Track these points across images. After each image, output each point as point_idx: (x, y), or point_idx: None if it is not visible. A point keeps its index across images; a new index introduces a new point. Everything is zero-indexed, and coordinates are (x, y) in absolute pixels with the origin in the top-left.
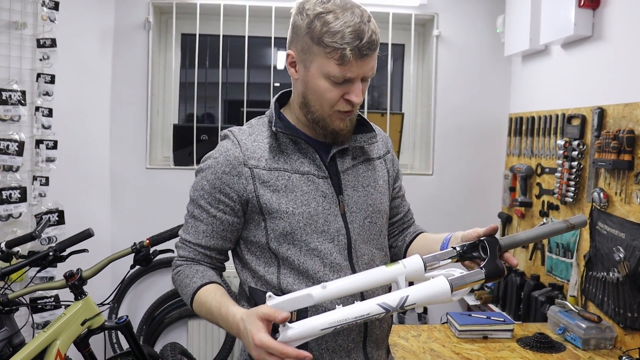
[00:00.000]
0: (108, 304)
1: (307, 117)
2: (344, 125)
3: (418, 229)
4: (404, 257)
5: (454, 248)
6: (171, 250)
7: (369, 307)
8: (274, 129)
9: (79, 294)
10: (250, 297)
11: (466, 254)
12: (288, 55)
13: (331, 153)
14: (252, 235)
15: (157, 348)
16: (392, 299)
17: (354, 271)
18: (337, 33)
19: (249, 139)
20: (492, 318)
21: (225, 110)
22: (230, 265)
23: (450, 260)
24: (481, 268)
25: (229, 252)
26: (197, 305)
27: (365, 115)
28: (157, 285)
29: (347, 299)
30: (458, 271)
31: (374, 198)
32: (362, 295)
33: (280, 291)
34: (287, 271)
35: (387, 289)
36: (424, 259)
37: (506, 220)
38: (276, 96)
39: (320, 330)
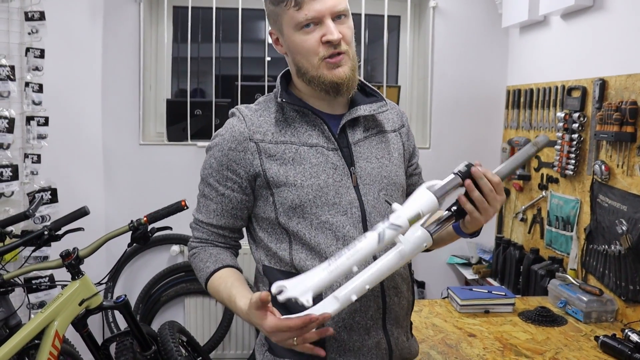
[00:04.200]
0: (105, 283)
1: (306, 82)
2: (339, 74)
3: None
4: None
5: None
6: (169, 228)
7: (369, 243)
8: (279, 99)
9: (76, 273)
10: (264, 278)
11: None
12: (270, 34)
13: (341, 124)
14: (262, 211)
15: (154, 326)
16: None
17: None
18: None
19: (255, 115)
20: (493, 292)
21: (218, 84)
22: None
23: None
24: (455, 173)
25: (244, 231)
26: (211, 291)
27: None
28: (153, 263)
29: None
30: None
31: (389, 170)
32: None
33: (294, 268)
34: (298, 247)
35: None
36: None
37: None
38: (281, 73)
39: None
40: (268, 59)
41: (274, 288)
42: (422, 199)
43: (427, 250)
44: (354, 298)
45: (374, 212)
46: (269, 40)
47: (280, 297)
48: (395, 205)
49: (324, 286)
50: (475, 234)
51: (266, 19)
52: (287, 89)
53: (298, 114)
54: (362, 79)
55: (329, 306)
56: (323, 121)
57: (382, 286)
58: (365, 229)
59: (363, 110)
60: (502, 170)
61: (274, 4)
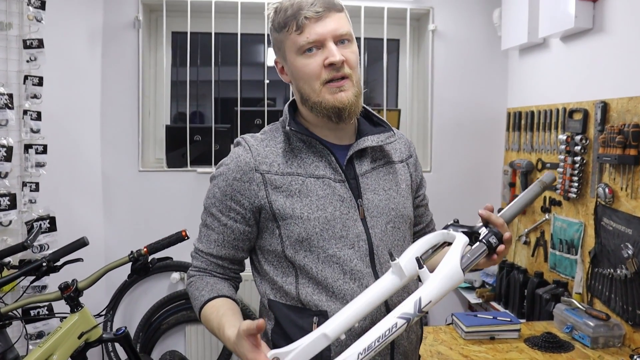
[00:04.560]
0: (105, 315)
1: (309, 109)
2: (341, 98)
3: None
4: None
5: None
6: (170, 258)
7: (388, 323)
8: (287, 128)
9: (75, 306)
10: (269, 312)
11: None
12: (276, 64)
13: (348, 155)
14: (268, 243)
15: (156, 354)
16: (407, 306)
17: (377, 279)
18: (287, 9)
19: (261, 145)
20: (498, 318)
21: (217, 108)
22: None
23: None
24: (481, 241)
25: (247, 263)
26: (204, 321)
27: (362, 96)
28: (153, 291)
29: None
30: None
31: (396, 202)
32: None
33: (300, 302)
34: (305, 281)
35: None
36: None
37: None
38: (288, 102)
39: None
40: (267, 81)
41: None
42: (451, 277)
43: None
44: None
45: (382, 245)
46: (269, 62)
47: None
48: (423, 272)
49: None
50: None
51: (265, 42)
52: (295, 116)
53: (305, 144)
54: (368, 108)
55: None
56: (330, 152)
57: (387, 308)
58: (372, 262)
59: (370, 141)
60: (509, 212)
61: (277, 31)
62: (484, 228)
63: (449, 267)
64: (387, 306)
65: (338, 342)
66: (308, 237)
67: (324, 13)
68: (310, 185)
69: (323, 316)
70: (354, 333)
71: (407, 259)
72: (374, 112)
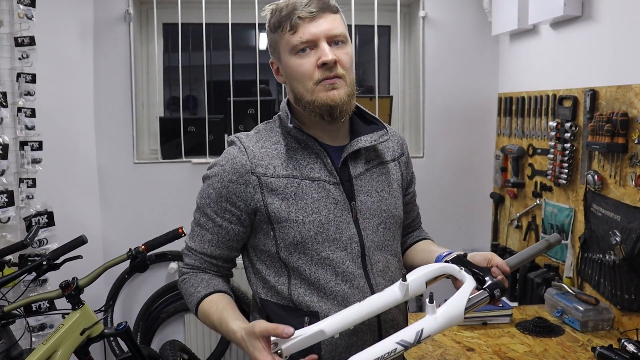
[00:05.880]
0: (105, 310)
1: (303, 109)
2: (334, 96)
3: (422, 233)
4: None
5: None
6: (167, 253)
7: (387, 346)
8: (290, 125)
9: (76, 303)
10: (261, 309)
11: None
12: (271, 64)
13: (342, 157)
14: (262, 244)
15: (155, 343)
16: (408, 334)
17: (367, 279)
18: (282, 10)
19: (257, 146)
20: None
21: (210, 94)
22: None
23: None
24: (485, 289)
25: (240, 261)
26: (201, 317)
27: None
28: (152, 281)
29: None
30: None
31: (388, 203)
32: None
33: (292, 302)
34: (297, 282)
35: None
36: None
37: (498, 200)
38: (285, 100)
39: None
40: (259, 80)
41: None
42: (453, 318)
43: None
44: None
45: (373, 246)
46: (261, 46)
47: None
48: (431, 307)
49: None
50: None
51: (256, 28)
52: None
53: (300, 144)
54: (361, 106)
55: None
56: (326, 153)
57: (378, 319)
58: (364, 263)
59: (364, 141)
60: (513, 262)
61: (272, 31)
62: (489, 277)
63: (455, 309)
64: (378, 318)
65: (330, 340)
66: (302, 240)
67: (318, 13)
68: (305, 187)
69: (314, 316)
70: (346, 332)
71: (415, 281)
72: (367, 110)
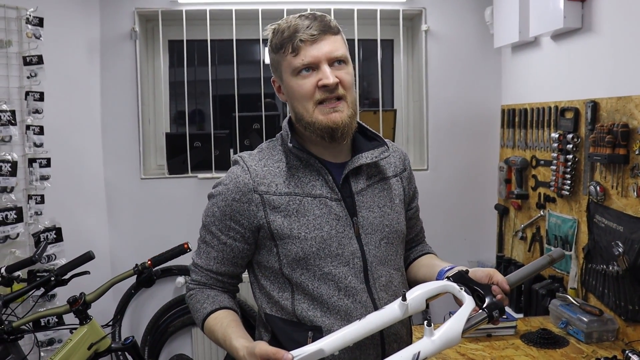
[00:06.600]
0: (113, 324)
1: (304, 128)
2: (334, 119)
3: (426, 248)
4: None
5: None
6: (173, 268)
7: None
8: (290, 144)
9: (84, 318)
10: (267, 324)
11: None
12: (273, 83)
13: (343, 174)
14: (265, 260)
15: (163, 358)
16: (405, 357)
17: (370, 294)
18: (284, 31)
19: (259, 164)
20: None
21: (216, 109)
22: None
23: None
24: (484, 310)
25: (245, 276)
26: (207, 332)
27: (358, 114)
28: (159, 295)
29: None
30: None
31: (390, 218)
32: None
33: (295, 317)
34: (301, 297)
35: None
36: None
37: (503, 212)
38: (286, 118)
39: None
40: (264, 94)
41: None
42: (450, 340)
43: None
44: None
45: (375, 261)
46: (265, 60)
47: None
48: (429, 329)
49: None
50: None
51: (260, 43)
52: (294, 134)
53: (302, 162)
54: (362, 123)
55: None
56: (327, 170)
57: (381, 334)
58: (366, 278)
59: (365, 158)
60: (514, 278)
61: (274, 52)
62: (489, 297)
63: (452, 332)
64: (381, 332)
65: (331, 357)
66: (305, 256)
67: (319, 36)
68: (307, 204)
69: (318, 331)
70: (349, 347)
71: (415, 299)
72: (368, 127)
